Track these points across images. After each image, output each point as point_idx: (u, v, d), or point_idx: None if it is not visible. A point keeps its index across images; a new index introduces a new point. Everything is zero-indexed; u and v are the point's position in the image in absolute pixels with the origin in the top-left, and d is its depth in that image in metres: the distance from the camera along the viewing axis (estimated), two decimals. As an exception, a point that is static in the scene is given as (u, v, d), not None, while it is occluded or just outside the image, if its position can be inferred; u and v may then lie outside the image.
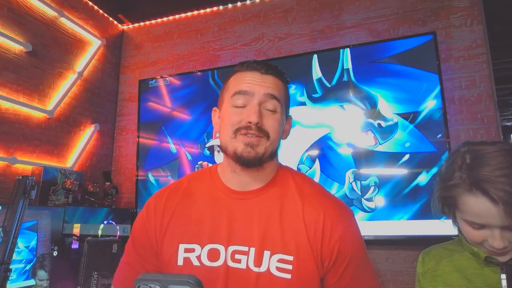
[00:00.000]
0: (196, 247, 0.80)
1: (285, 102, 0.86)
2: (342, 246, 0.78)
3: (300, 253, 0.77)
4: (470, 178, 0.73)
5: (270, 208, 0.81)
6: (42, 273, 1.75)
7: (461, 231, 0.82)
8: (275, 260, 0.76)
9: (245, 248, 0.78)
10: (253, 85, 0.81)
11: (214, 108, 0.91)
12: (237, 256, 0.78)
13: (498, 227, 0.72)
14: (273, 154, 0.84)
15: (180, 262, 0.80)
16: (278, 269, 0.76)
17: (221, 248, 0.79)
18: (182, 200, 0.87)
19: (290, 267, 0.76)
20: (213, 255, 0.79)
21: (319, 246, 0.77)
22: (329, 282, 0.79)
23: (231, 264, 0.78)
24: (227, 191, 0.85)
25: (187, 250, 0.81)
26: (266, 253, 0.77)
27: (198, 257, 0.79)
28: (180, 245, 0.82)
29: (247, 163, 0.79)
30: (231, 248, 0.79)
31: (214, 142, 2.36)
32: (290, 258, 0.76)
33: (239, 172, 0.83)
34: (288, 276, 0.75)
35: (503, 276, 0.76)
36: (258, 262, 0.76)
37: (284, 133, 0.88)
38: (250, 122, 0.78)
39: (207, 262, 0.79)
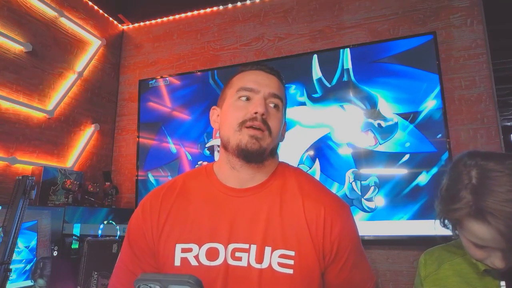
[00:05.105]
0: (194, 246, 0.79)
1: (285, 104, 0.89)
2: (342, 241, 0.79)
3: (302, 248, 0.77)
4: (476, 205, 0.70)
5: (270, 204, 0.81)
6: (41, 281, 1.77)
7: (463, 245, 0.81)
8: (277, 255, 0.76)
9: (246, 246, 0.78)
10: (258, 84, 0.83)
11: (214, 107, 0.91)
12: (237, 254, 0.77)
13: (500, 249, 0.72)
14: (274, 152, 0.86)
15: (177, 262, 0.79)
16: (280, 264, 0.76)
17: (220, 247, 0.78)
18: (178, 199, 0.86)
19: (292, 262, 0.76)
20: (212, 254, 0.78)
21: (320, 241, 0.78)
22: (330, 275, 0.80)
23: (231, 262, 0.77)
24: (225, 190, 0.84)
25: (184, 250, 0.80)
26: (267, 249, 0.77)
27: (196, 257, 0.79)
28: (177, 245, 0.81)
29: (250, 155, 0.79)
30: (231, 246, 0.78)
31: (214, 142, 2.36)
32: (292, 253, 0.77)
33: (239, 168, 0.83)
34: (290, 271, 0.76)
35: (503, 283, 0.77)
36: (259, 259, 0.76)
37: (281, 136, 0.89)
38: (256, 113, 0.79)
39: (205, 262, 0.78)
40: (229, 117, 0.82)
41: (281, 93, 0.86)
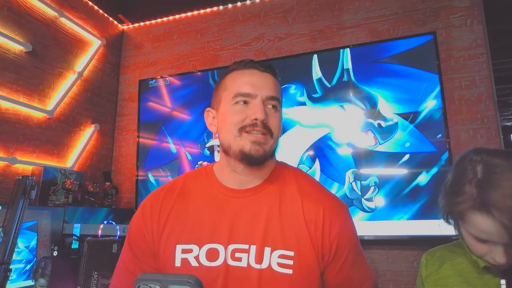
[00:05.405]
0: (194, 247, 0.80)
1: (282, 100, 0.88)
2: (341, 241, 0.80)
3: (301, 249, 0.78)
4: (480, 198, 0.71)
5: (270, 204, 0.82)
6: (42, 281, 1.77)
7: (464, 240, 0.81)
8: (276, 256, 0.77)
9: (246, 246, 0.78)
10: (255, 87, 0.81)
11: (208, 109, 0.90)
12: (237, 255, 0.78)
13: (502, 244, 0.72)
14: (273, 152, 0.86)
15: (177, 263, 0.80)
16: (279, 265, 0.76)
17: (220, 247, 0.79)
18: (178, 200, 0.86)
19: (291, 262, 0.76)
20: (212, 255, 0.79)
21: (319, 241, 0.79)
22: (329, 275, 0.81)
23: (231, 262, 0.77)
24: (225, 190, 0.85)
25: (184, 251, 0.80)
26: (267, 250, 0.77)
27: (196, 258, 0.79)
28: (177, 245, 0.81)
29: (254, 161, 0.79)
30: (231, 247, 0.78)
31: (214, 142, 2.36)
32: (291, 253, 0.77)
33: (241, 171, 0.83)
34: (290, 271, 0.76)
35: (503, 281, 0.77)
36: (259, 259, 0.77)
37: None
38: (256, 119, 0.78)
39: (205, 262, 0.78)
40: (228, 123, 0.82)
41: (278, 92, 0.85)
